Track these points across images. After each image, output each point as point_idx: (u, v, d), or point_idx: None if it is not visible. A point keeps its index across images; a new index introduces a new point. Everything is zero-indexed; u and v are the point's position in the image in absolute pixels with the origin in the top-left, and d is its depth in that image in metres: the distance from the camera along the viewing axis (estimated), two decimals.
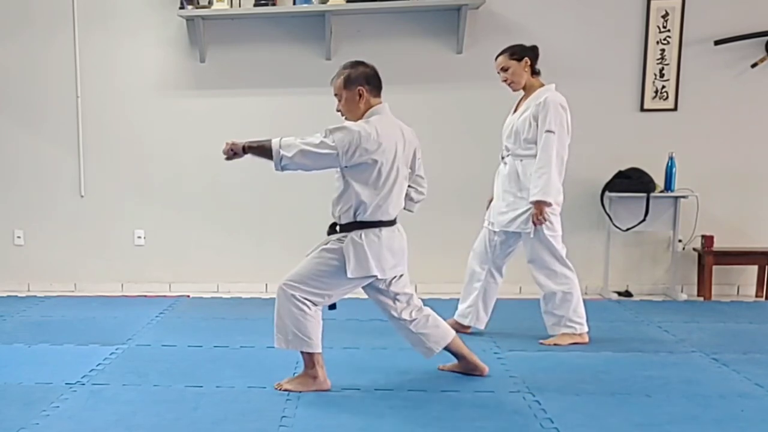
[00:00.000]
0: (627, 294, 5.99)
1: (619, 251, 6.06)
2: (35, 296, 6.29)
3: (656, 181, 5.80)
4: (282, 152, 3.65)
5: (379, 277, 3.74)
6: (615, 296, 5.96)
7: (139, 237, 6.44)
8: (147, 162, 6.37)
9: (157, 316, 5.47)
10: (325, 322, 5.13)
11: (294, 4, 6.01)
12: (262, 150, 3.76)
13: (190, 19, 6.08)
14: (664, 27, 5.89)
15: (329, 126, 3.64)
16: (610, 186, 5.90)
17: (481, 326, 4.87)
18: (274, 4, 5.99)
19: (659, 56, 5.91)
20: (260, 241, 6.35)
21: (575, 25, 5.96)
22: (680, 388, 3.81)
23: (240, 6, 6.06)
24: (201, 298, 6.16)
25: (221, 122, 6.23)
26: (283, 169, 3.72)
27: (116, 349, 4.58)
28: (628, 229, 5.87)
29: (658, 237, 6.07)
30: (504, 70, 4.64)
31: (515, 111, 4.72)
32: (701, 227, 5.93)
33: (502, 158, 4.75)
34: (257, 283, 6.35)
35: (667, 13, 5.87)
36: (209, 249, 6.38)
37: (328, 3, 5.89)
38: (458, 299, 4.97)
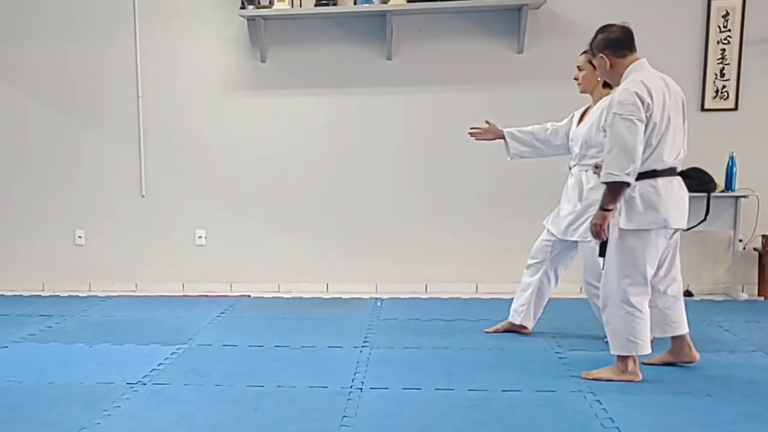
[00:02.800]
0: (688, 294, 5.96)
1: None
2: (96, 296, 6.32)
3: (717, 180, 5.78)
4: (623, 178, 3.67)
5: (671, 226, 3.81)
6: None
7: (200, 237, 6.47)
8: (208, 162, 6.39)
9: (218, 316, 5.49)
10: (387, 322, 5.21)
11: (355, 4, 6.02)
12: (613, 192, 3.75)
13: (251, 19, 6.10)
14: (725, 27, 5.88)
15: (613, 111, 3.69)
16: None
17: (529, 326, 4.90)
18: (334, 4, 6.00)
19: (720, 56, 5.91)
20: (321, 241, 6.36)
21: (635, 26, 5.82)
22: (741, 387, 3.82)
23: (301, 6, 6.06)
24: (262, 298, 6.18)
25: (282, 122, 6.28)
26: (633, 173, 3.70)
27: (177, 349, 4.61)
28: (688, 229, 5.79)
29: (719, 237, 6.06)
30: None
31: None
32: (762, 227, 5.94)
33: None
34: (318, 283, 6.36)
35: (727, 13, 5.86)
36: (270, 249, 6.40)
37: (389, 3, 5.89)
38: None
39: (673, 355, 4.16)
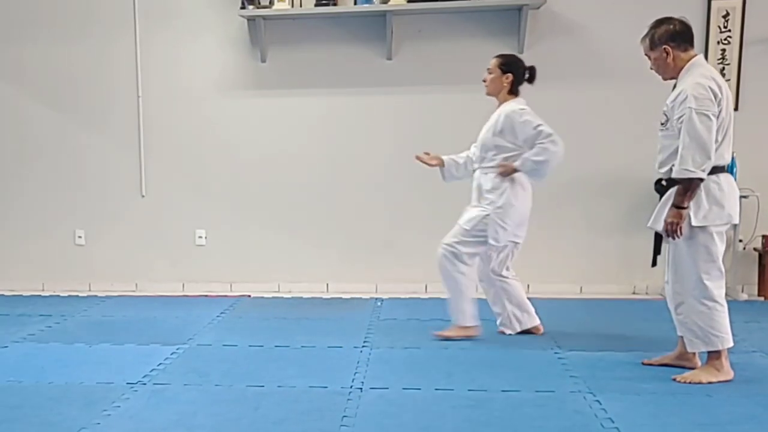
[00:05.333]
0: None
1: None
2: (96, 296, 6.32)
3: None
4: (698, 174, 3.69)
5: (734, 221, 3.87)
6: None
7: (200, 237, 6.47)
8: (208, 162, 6.39)
9: (218, 316, 5.49)
10: (387, 322, 5.22)
11: (355, 4, 6.03)
12: (687, 190, 3.74)
13: (251, 19, 6.10)
14: (725, 27, 5.88)
15: (689, 106, 3.66)
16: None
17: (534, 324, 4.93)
18: (335, 4, 6.01)
19: (720, 56, 5.91)
20: (321, 241, 6.37)
21: (635, 26, 5.84)
22: (741, 388, 3.81)
23: (301, 6, 6.08)
24: (262, 298, 6.18)
25: (282, 122, 6.29)
26: (708, 169, 3.72)
27: (177, 349, 4.61)
28: None
29: None
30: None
31: None
32: (762, 227, 5.94)
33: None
34: (318, 283, 6.36)
35: (727, 14, 5.87)
36: (270, 249, 6.40)
37: (389, 3, 5.91)
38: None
39: (677, 359, 4.15)
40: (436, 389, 3.83)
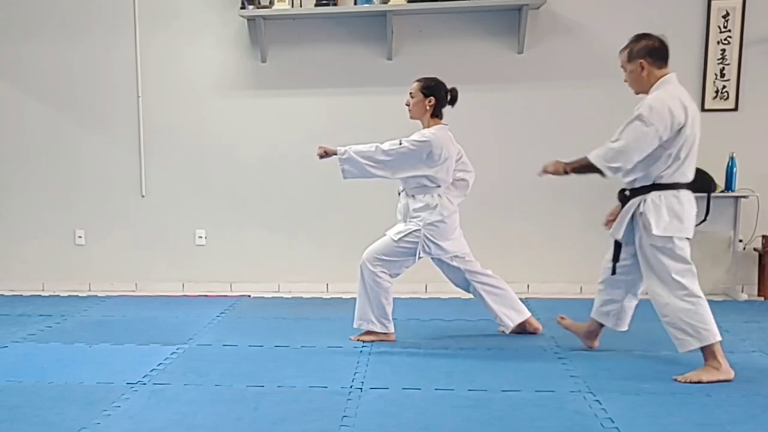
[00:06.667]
0: None
1: None
2: (96, 296, 6.33)
3: (717, 181, 5.78)
4: (604, 171, 3.89)
5: (689, 236, 3.97)
6: None
7: (200, 237, 6.47)
8: (208, 162, 6.39)
9: (218, 316, 5.49)
10: None
11: (355, 4, 6.03)
12: (586, 168, 3.97)
13: (251, 19, 6.10)
14: (725, 27, 5.88)
15: (639, 110, 3.81)
16: None
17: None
18: (335, 4, 6.00)
19: (720, 56, 5.91)
20: (321, 241, 6.37)
21: (636, 26, 5.86)
22: (741, 388, 3.82)
23: (301, 6, 6.07)
24: (262, 297, 6.19)
25: (282, 122, 6.29)
26: (615, 171, 3.91)
27: (177, 349, 4.61)
28: None
29: (719, 237, 6.06)
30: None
31: None
32: (762, 227, 5.95)
33: None
34: (318, 283, 6.37)
35: (727, 14, 5.86)
36: (270, 249, 6.41)
37: (389, 3, 5.90)
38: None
39: (582, 332, 4.51)
40: (436, 389, 3.83)
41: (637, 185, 3.97)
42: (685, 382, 3.90)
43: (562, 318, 4.67)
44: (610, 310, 4.35)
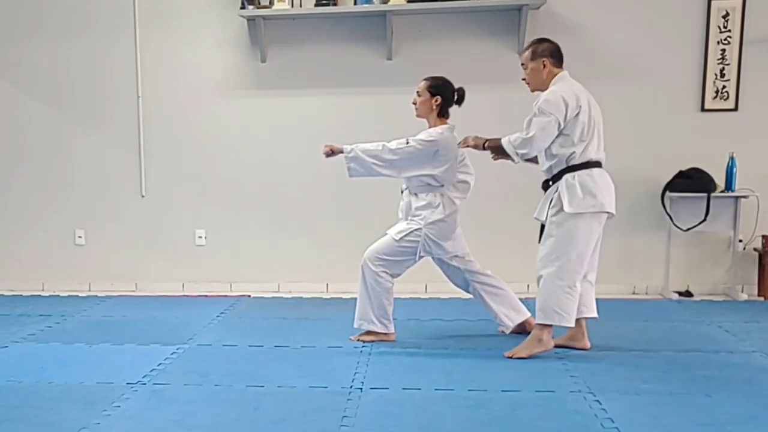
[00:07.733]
0: (687, 294, 5.99)
1: (680, 251, 6.06)
2: (96, 296, 6.32)
3: (717, 181, 5.80)
4: (518, 150, 4.21)
5: (606, 209, 4.25)
6: (675, 296, 5.95)
7: (200, 237, 6.48)
8: (208, 162, 6.39)
9: (218, 316, 5.49)
10: None
11: (355, 4, 6.03)
12: (499, 149, 4.32)
13: (251, 19, 6.10)
14: (725, 27, 5.88)
15: (538, 104, 4.18)
16: (670, 186, 5.91)
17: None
18: (335, 4, 6.01)
19: (720, 56, 5.91)
20: (321, 241, 6.37)
21: (636, 26, 5.96)
22: (741, 388, 3.82)
23: (301, 6, 6.07)
24: (262, 298, 6.18)
25: (282, 122, 6.29)
26: (523, 157, 4.26)
27: (177, 349, 4.61)
28: (688, 229, 5.86)
29: (719, 237, 6.07)
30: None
31: None
32: (762, 227, 5.94)
33: None
34: (318, 283, 6.37)
35: (727, 14, 5.87)
36: (270, 249, 6.41)
37: (389, 3, 5.91)
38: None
39: (570, 340, 4.54)
40: (436, 389, 3.83)
41: (555, 171, 4.27)
42: (512, 357, 4.33)
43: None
44: None
